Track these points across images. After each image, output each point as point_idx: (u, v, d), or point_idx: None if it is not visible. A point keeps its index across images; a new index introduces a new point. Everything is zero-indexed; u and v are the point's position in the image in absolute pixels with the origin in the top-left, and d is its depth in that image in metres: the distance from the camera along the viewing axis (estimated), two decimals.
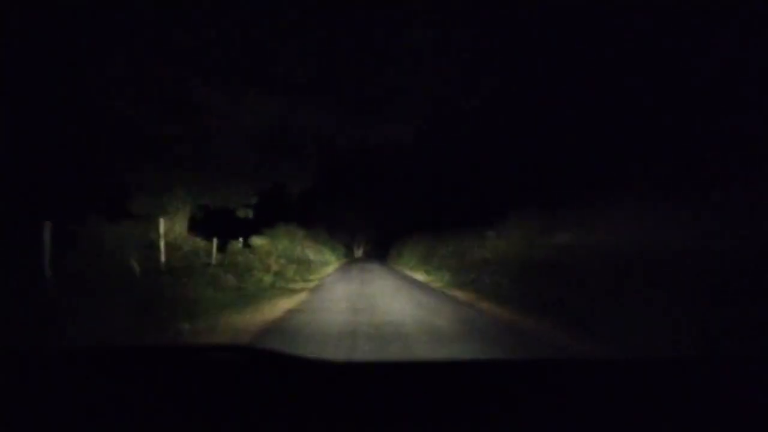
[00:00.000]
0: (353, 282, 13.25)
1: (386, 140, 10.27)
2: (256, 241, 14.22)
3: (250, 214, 12.22)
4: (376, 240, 46.26)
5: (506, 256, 10.29)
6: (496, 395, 1.04)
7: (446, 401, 1.00)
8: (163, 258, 8.21)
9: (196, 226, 12.03)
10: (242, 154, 10.13)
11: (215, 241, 11.51)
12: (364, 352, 4.36)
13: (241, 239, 13.37)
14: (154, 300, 5.51)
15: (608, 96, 9.50)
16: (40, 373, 1.13)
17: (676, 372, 1.23)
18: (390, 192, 34.65)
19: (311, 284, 13.08)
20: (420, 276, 16.44)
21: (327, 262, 23.23)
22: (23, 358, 1.28)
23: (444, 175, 20.84)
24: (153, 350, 1.57)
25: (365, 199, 37.49)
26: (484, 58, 8.56)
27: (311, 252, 20.16)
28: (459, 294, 10.09)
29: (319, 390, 1.05)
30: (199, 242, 9.87)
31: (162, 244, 8.28)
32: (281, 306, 7.98)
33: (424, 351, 4.40)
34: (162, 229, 8.36)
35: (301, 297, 9.66)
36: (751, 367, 1.25)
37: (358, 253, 46.21)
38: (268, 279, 11.94)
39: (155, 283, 6.39)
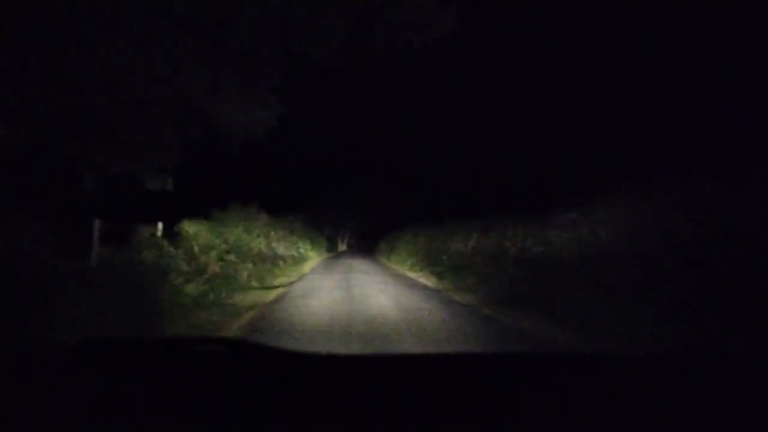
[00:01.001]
0: (336, 292, 8.54)
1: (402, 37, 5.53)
2: (188, 227, 9.32)
3: (169, 185, 7.37)
4: (361, 231, 41.53)
5: (619, 252, 5.71)
6: (496, 392, 1.04)
7: (445, 396, 0.99)
8: None
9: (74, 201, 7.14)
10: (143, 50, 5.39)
11: (97, 225, 6.61)
12: None
13: (160, 224, 8.49)
14: None
15: None
16: (39, 371, 1.12)
17: (676, 372, 1.22)
18: (381, 169, 29.95)
19: (269, 296, 8.33)
20: (429, 281, 11.83)
21: (303, 258, 18.40)
22: (23, 357, 1.25)
23: (460, 141, 16.19)
24: (149, 343, 1.41)
25: (350, 180, 32.81)
26: None
27: (281, 245, 15.32)
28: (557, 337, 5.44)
29: (316, 384, 1.04)
30: (28, 225, 5.01)
31: None
32: None
33: None
34: None
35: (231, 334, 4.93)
36: (751, 367, 1.26)
37: (342, 246, 41.28)
38: (191, 290, 7.13)
39: None
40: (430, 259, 14.81)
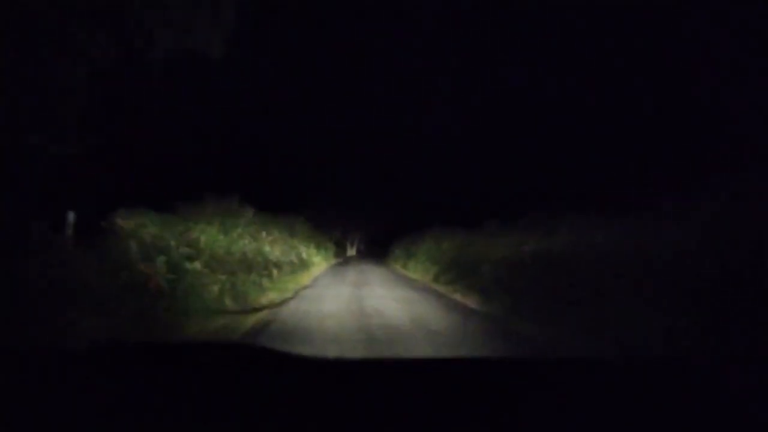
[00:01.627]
0: (344, 324, 5.50)
1: None
2: (125, 221, 6.32)
3: (69, 143, 4.46)
4: (372, 235, 38.49)
5: None
6: (495, 394, 1.00)
7: (445, 397, 0.97)
8: None
9: None
10: None
11: None
12: None
13: (71, 215, 5.52)
14: None
15: None
16: (40, 373, 1.07)
17: (676, 372, 1.20)
18: (393, 167, 26.95)
19: (240, 328, 5.31)
20: (468, 299, 8.79)
21: (306, 265, 15.38)
22: (23, 357, 1.21)
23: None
24: (151, 347, 1.38)
25: (359, 179, 29.82)
26: None
27: (276, 249, 12.30)
28: None
29: (317, 387, 1.02)
30: None
31: None
32: None
33: None
34: None
35: None
36: (751, 367, 1.23)
37: (351, 251, 38.19)
38: (91, 327, 4.10)
39: None
40: (462, 269, 11.70)
